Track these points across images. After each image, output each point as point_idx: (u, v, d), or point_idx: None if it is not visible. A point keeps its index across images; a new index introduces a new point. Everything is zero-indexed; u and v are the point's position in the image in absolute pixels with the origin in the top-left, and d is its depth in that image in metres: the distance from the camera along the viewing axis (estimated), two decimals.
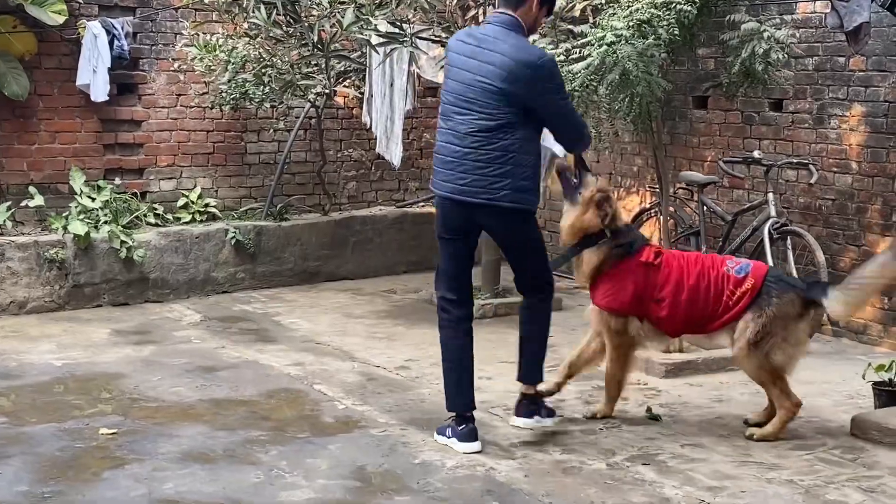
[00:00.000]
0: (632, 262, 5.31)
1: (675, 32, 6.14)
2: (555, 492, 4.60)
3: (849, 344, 7.10)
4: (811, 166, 7.12)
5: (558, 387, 5.52)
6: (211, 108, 8.74)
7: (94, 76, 8.18)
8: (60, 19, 7.91)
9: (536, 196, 5.12)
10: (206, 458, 4.96)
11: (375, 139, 8.37)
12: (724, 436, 5.34)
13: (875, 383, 5.59)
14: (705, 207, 7.65)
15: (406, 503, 4.48)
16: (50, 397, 5.85)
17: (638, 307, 5.33)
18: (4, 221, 7.88)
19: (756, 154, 7.39)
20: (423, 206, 9.99)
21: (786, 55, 6.45)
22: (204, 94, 8.78)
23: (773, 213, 7.08)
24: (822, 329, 7.14)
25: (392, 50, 7.29)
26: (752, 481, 4.73)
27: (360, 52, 7.92)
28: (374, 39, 7.13)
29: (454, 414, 5.20)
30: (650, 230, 8.23)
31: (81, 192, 8.22)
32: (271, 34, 7.41)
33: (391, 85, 7.76)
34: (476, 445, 5.10)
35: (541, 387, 5.39)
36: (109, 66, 8.19)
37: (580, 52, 6.17)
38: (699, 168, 8.06)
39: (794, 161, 7.29)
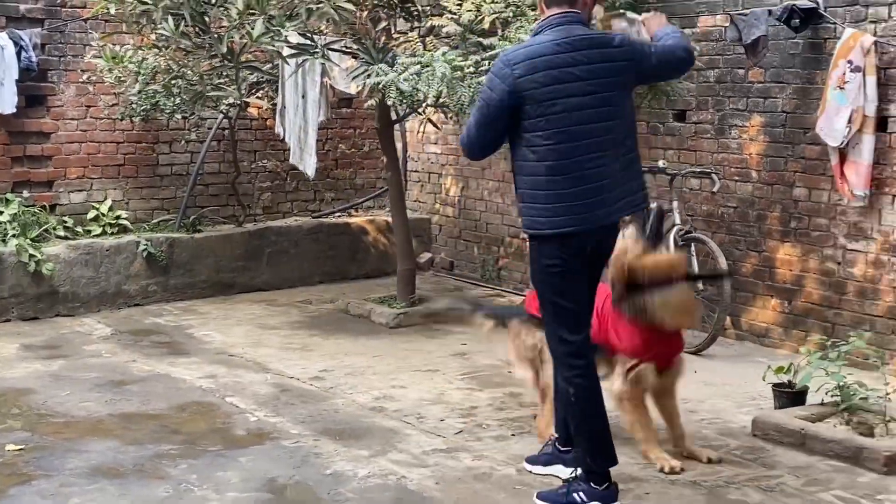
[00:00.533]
0: None
1: None
2: (465, 499, 4.63)
3: (751, 347, 7.26)
4: (713, 175, 7.27)
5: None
6: (121, 120, 8.61)
7: (1, 88, 8.01)
8: None
9: None
10: (115, 473, 4.89)
11: (289, 150, 8.33)
12: (627, 438, 5.41)
13: (774, 385, 5.73)
14: None
15: None
16: None
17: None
18: None
19: (661, 164, 7.52)
20: (339, 216, 9.98)
21: None
22: (114, 105, 8.65)
23: (677, 220, 7.20)
24: (725, 333, 7.28)
25: (304, 61, 7.27)
26: (657, 483, 4.81)
27: (271, 64, 7.88)
28: (286, 51, 7.10)
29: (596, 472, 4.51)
30: None
31: None
32: (180, 45, 7.33)
33: (303, 96, 7.73)
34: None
35: None
36: (17, 77, 8.03)
37: (489, 65, 6.22)
38: None
39: (698, 170, 7.43)
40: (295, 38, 7.03)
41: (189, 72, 7.74)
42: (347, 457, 5.13)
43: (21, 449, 5.17)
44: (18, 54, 8.02)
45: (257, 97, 8.75)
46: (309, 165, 8.17)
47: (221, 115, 8.84)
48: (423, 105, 7.27)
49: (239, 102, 8.16)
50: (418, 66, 6.47)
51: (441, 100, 6.67)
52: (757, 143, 7.27)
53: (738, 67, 7.35)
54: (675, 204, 7.25)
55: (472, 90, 6.34)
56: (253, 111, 9.26)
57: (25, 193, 8.37)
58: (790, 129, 7.07)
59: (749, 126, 7.31)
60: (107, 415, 5.74)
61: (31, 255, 7.83)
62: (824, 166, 6.84)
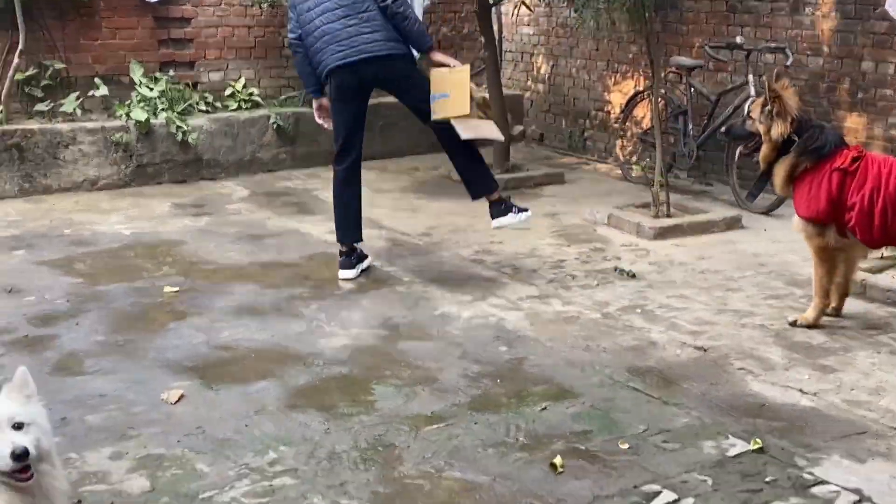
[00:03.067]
0: (825, 168, 4.48)
1: None
2: (556, 337, 4.65)
3: None
4: (787, 50, 6.94)
5: (836, 311, 4.81)
6: (251, 6, 8.55)
7: None
8: None
9: None
10: (257, 312, 5.02)
11: None
12: (705, 288, 5.35)
13: None
14: (693, 89, 7.51)
15: (428, 348, 4.53)
16: (121, 261, 5.90)
17: (835, 215, 4.50)
18: (74, 109, 7.83)
19: (738, 40, 7.20)
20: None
21: None
22: None
23: (752, 93, 6.92)
24: None
25: None
26: (729, 326, 4.76)
27: None
28: None
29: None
30: (643, 110, 8.10)
31: (141, 82, 8.13)
32: None
33: None
34: (351, 273, 5.47)
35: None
36: None
37: None
38: (687, 53, 7.87)
39: (773, 46, 7.09)
40: None
41: None
42: (453, 301, 5.17)
43: (177, 291, 5.33)
44: None
45: None
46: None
47: None
48: None
49: None
50: None
51: None
52: (829, 20, 6.89)
53: None
54: (750, 78, 6.96)
55: None
56: None
57: (171, 72, 8.44)
58: (860, 5, 6.66)
59: (821, 3, 6.92)
60: (248, 263, 5.87)
61: (178, 126, 7.93)
62: (891, 41, 6.47)
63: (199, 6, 8.55)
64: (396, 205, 7.35)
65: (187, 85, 8.50)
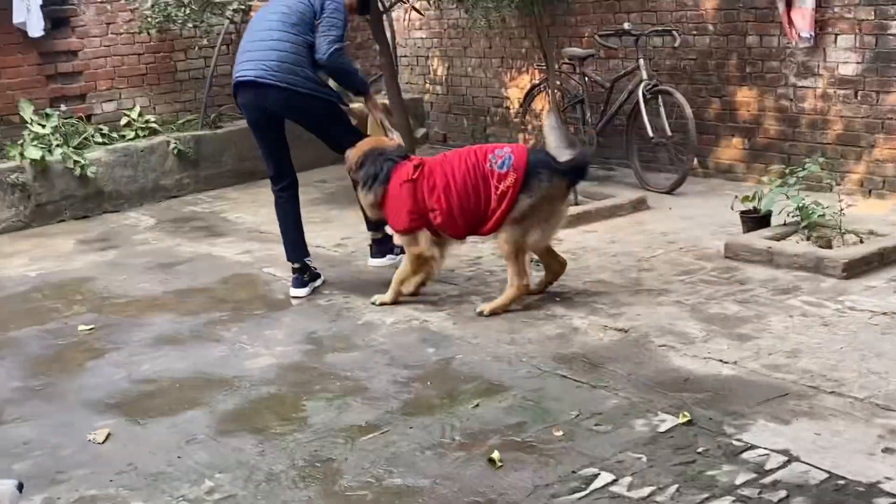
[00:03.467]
0: (394, 185, 4.95)
1: None
2: (481, 333, 4.67)
3: (718, 183, 7.23)
4: (674, 32, 7.12)
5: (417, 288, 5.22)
6: (139, 33, 8.39)
7: (28, 14, 7.79)
8: None
9: None
10: (176, 341, 4.92)
11: None
12: (619, 271, 5.44)
13: (742, 212, 5.74)
14: (587, 78, 7.65)
15: (355, 358, 4.51)
16: (30, 304, 5.72)
17: (420, 221, 4.91)
18: None
19: (626, 26, 7.35)
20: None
21: None
22: (131, 20, 8.42)
23: (644, 76, 7.09)
24: (694, 173, 7.25)
25: None
26: (646, 306, 4.86)
27: None
28: None
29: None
30: (540, 104, 8.21)
31: (32, 120, 7.90)
32: None
33: None
34: (302, 291, 5.45)
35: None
36: (41, 3, 7.81)
37: None
38: (578, 44, 8.01)
39: (660, 29, 7.27)
40: None
41: None
42: (375, 309, 5.16)
43: (91, 328, 5.19)
44: None
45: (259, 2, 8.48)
46: None
47: (227, 21, 8.60)
48: None
49: (243, 7, 7.93)
50: None
51: None
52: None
53: None
54: (641, 62, 7.12)
55: None
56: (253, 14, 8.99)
57: (63, 107, 8.24)
58: None
59: None
60: (162, 292, 5.75)
61: (75, 161, 7.74)
62: (773, 14, 6.69)
63: (85, 38, 8.36)
64: (308, 217, 7.18)
65: (81, 118, 8.30)
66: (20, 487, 2.42)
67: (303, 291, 5.48)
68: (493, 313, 4.88)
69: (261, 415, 3.97)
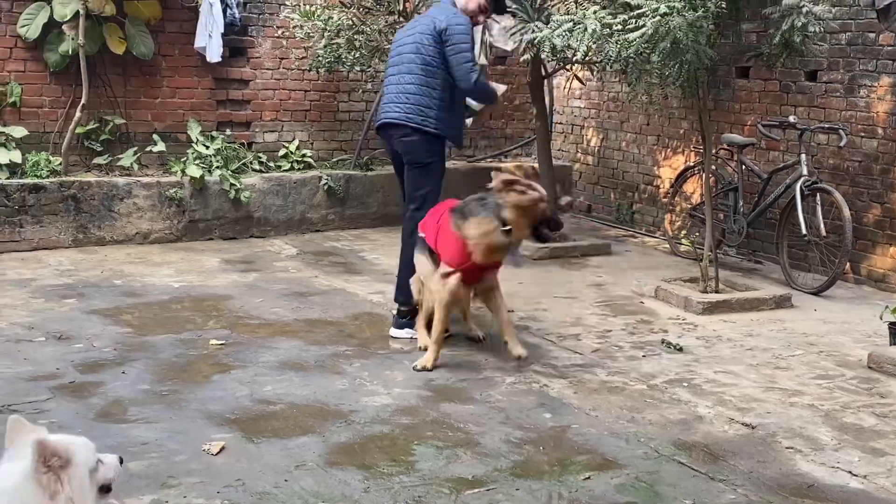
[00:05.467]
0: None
1: (723, 6, 5.98)
2: (600, 406, 4.59)
3: (869, 291, 6.93)
4: (841, 131, 6.92)
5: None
6: (309, 71, 8.74)
7: (209, 40, 8.22)
8: None
9: None
10: (300, 367, 5.02)
11: None
12: (753, 365, 5.27)
13: (891, 323, 5.46)
14: (744, 166, 7.51)
15: (470, 411, 4.50)
16: (168, 313, 5.96)
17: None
18: (132, 164, 8.01)
19: (791, 119, 7.20)
20: (490, 161, 9.93)
21: (822, 29, 6.24)
22: (303, 58, 8.77)
23: (804, 171, 6.91)
24: (844, 277, 6.97)
25: None
26: (777, 405, 4.67)
27: None
28: None
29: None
30: (693, 186, 8.10)
31: (197, 140, 8.31)
32: (363, 3, 7.36)
33: None
34: (401, 333, 5.53)
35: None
36: (223, 31, 8.23)
37: (636, 23, 6.03)
38: (739, 131, 7.89)
39: (826, 126, 7.09)
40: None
41: (368, 28, 7.77)
42: (496, 366, 5.14)
43: (222, 344, 5.36)
44: (224, 11, 8.21)
45: None
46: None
47: None
48: (573, 61, 7.13)
49: None
50: (571, 24, 6.32)
51: (589, 56, 6.52)
52: (884, 103, 6.86)
53: (870, 31, 6.93)
54: (802, 157, 6.95)
55: (618, 46, 6.16)
56: None
57: (228, 132, 8.62)
58: None
59: (877, 86, 6.90)
60: (293, 319, 5.89)
61: (231, 184, 8.07)
62: None
63: (258, 69, 8.76)
64: None
65: (242, 144, 8.66)
66: (120, 461, 2.54)
67: (400, 333, 5.53)
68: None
69: (370, 452, 3.99)
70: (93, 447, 2.48)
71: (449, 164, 9.75)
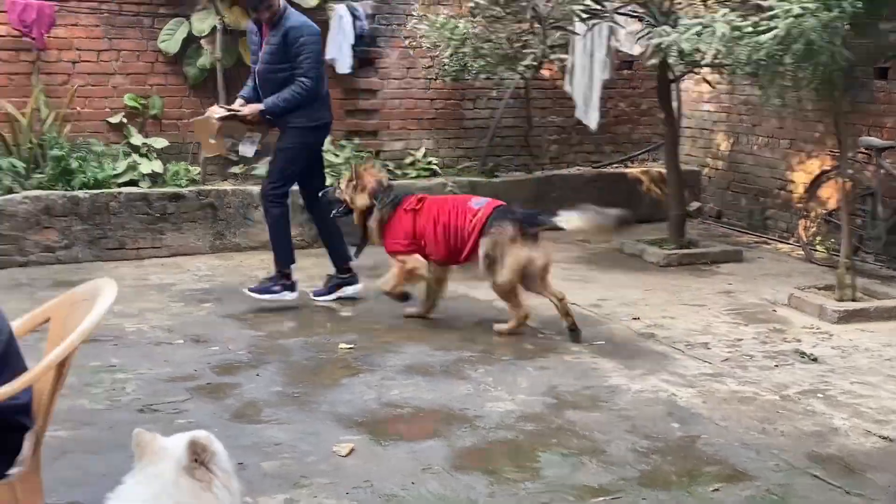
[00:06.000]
0: (399, 212, 5.88)
1: (859, 5, 5.77)
2: (730, 417, 4.49)
3: None
4: None
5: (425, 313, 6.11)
6: (435, 80, 8.86)
7: (339, 52, 8.42)
8: (313, 3, 8.14)
9: None
10: (426, 372, 5.10)
11: (575, 106, 8.27)
12: (893, 376, 5.06)
13: None
14: (883, 170, 7.22)
15: (595, 418, 4.47)
16: (299, 317, 6.11)
17: (413, 246, 5.83)
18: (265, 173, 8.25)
19: None
20: (616, 167, 9.85)
21: None
22: (429, 67, 8.90)
23: None
24: None
25: (594, 25, 7.17)
26: None
27: (571, 25, 7.81)
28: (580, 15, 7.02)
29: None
30: (829, 191, 7.83)
31: (328, 149, 8.50)
32: (491, 12, 7.41)
33: (591, 56, 7.64)
34: (295, 295, 6.28)
35: None
36: (352, 42, 8.43)
37: (767, 25, 5.89)
38: (878, 134, 7.58)
39: None
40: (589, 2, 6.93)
41: (495, 37, 7.81)
42: (622, 373, 5.10)
43: (351, 347, 5.49)
44: (354, 23, 8.40)
45: (550, 58, 8.70)
46: (592, 120, 8.11)
47: (518, 76, 8.88)
48: (701, 64, 7.00)
49: (536, 63, 8.15)
50: (699, 27, 6.21)
51: (718, 59, 6.39)
52: None
53: None
54: None
55: (749, 49, 6.01)
56: (545, 72, 9.26)
57: (356, 141, 8.81)
58: None
59: None
60: (418, 325, 5.97)
61: None
62: None
63: (385, 79, 8.93)
64: (567, 275, 7.33)
65: (370, 153, 8.84)
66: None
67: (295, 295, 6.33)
68: (500, 334, 5.71)
69: (495, 457, 4.02)
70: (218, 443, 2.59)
71: (573, 170, 9.79)
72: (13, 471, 2.67)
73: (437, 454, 4.04)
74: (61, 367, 2.67)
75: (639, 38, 6.86)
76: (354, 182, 6.01)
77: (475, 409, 4.55)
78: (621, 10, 7.15)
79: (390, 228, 5.91)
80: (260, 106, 6.12)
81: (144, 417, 4.37)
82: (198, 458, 2.32)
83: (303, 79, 6.04)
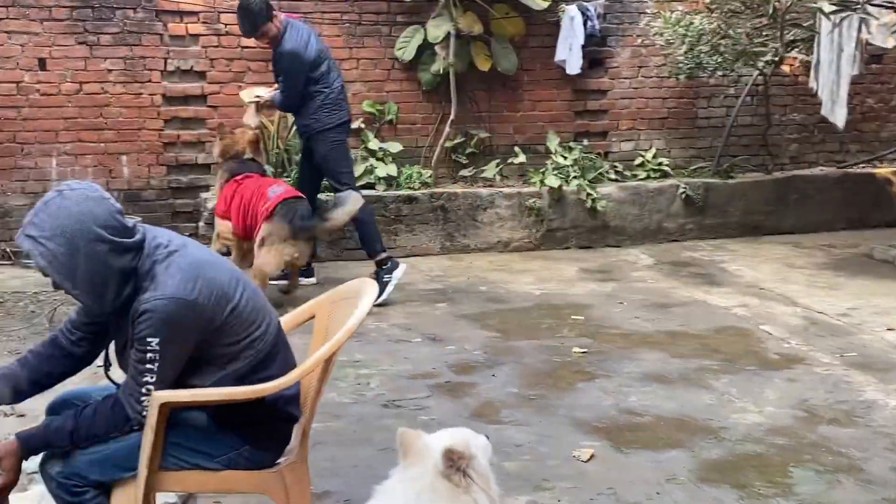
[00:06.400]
0: (231, 182, 6.38)
1: None
2: None
3: None
4: None
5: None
6: (668, 78, 8.67)
7: (569, 53, 8.40)
8: (544, 4, 8.17)
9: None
10: (664, 380, 4.98)
11: (820, 103, 7.86)
12: None
13: None
14: None
15: (851, 434, 4.22)
16: (531, 319, 6.15)
17: (227, 213, 6.34)
18: (494, 175, 8.38)
19: None
20: (864, 167, 9.28)
21: None
22: (662, 65, 8.72)
23: None
24: None
25: (843, 18, 6.78)
26: None
27: (809, 22, 7.45)
28: (827, 8, 6.67)
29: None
30: None
31: (556, 151, 8.52)
32: (729, 7, 7.17)
33: (840, 51, 7.22)
34: (403, 266, 6.65)
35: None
36: (583, 43, 8.38)
37: None
38: None
39: None
40: None
41: (733, 32, 7.55)
42: (878, 388, 4.79)
43: (584, 352, 5.45)
44: (585, 23, 8.35)
45: (792, 55, 8.33)
46: (839, 117, 7.67)
47: (757, 72, 8.55)
48: None
49: (776, 59, 7.83)
50: None
51: None
52: None
53: None
54: None
55: None
56: (786, 68, 8.87)
57: (585, 142, 8.76)
58: None
59: None
60: (654, 331, 5.86)
61: (588, 194, 8.19)
62: None
63: (615, 79, 8.83)
64: (811, 282, 6.99)
65: (599, 154, 8.76)
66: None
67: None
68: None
69: (744, 471, 3.87)
70: (482, 438, 2.61)
71: (816, 170, 9.30)
72: (282, 460, 2.82)
73: (681, 464, 3.94)
74: (328, 362, 2.80)
75: (893, 31, 6.42)
76: (227, 139, 6.56)
77: (720, 421, 4.40)
78: (875, 2, 6.72)
79: (221, 192, 6.52)
80: (278, 96, 6.66)
81: (389, 412, 4.52)
82: (453, 464, 2.36)
83: (281, 93, 6.57)
